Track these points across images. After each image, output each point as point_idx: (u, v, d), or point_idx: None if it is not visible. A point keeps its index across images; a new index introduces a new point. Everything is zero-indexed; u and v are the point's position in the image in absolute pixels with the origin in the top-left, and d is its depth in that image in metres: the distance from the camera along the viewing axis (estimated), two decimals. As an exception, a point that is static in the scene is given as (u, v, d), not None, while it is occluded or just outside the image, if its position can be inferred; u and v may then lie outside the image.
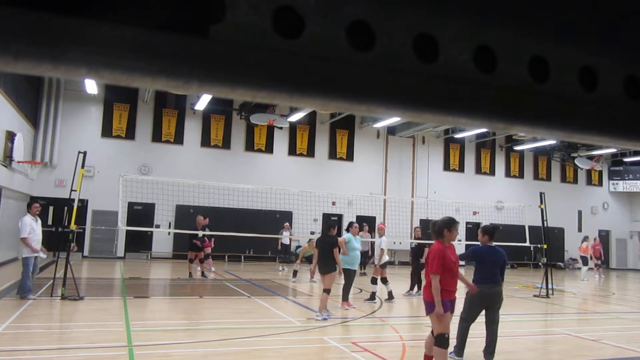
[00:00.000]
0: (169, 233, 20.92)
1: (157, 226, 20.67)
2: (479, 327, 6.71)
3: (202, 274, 15.09)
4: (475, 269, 6.65)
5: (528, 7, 0.71)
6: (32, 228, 10.04)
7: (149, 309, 10.20)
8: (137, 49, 0.53)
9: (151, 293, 12.54)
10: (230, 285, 13.82)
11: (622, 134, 0.82)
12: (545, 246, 14.85)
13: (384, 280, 11.79)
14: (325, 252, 9.51)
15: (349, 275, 10.33)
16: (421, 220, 24.86)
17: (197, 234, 15.06)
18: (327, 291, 9.28)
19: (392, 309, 11.08)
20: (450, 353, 6.70)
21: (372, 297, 11.57)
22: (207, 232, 16.05)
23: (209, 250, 17.01)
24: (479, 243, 6.83)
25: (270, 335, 7.75)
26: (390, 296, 11.77)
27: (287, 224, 19.38)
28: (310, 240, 16.91)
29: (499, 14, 0.70)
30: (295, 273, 15.45)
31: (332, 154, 24.55)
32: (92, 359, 6.26)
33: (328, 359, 6.62)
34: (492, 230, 6.69)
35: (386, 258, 12.09)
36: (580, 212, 29.36)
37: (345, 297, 10.43)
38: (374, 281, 11.74)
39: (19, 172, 16.70)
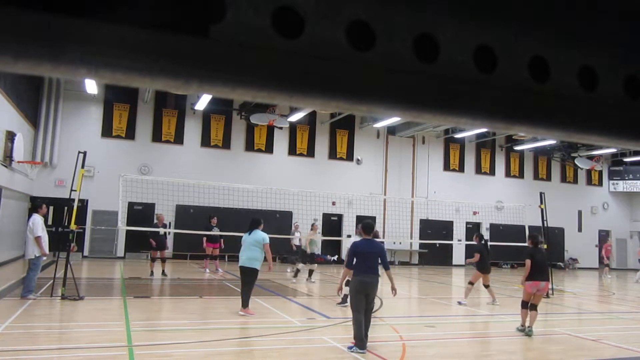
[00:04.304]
0: (169, 233, 20.91)
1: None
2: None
3: (163, 272, 15.13)
4: (356, 262, 7.07)
5: (528, 7, 0.71)
6: (43, 227, 10.07)
7: (149, 309, 10.19)
8: (137, 49, 0.53)
9: (151, 293, 12.53)
10: (230, 285, 13.81)
11: (622, 134, 0.82)
12: (545, 246, 14.84)
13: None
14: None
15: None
16: (421, 220, 24.92)
17: (158, 232, 15.41)
18: (471, 284, 11.96)
19: (392, 309, 11.07)
20: (351, 347, 6.78)
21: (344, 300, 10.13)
22: (217, 232, 16.37)
23: (217, 251, 17.12)
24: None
25: (270, 335, 7.74)
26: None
27: (297, 223, 18.60)
28: (313, 225, 15.90)
29: (499, 14, 0.70)
30: (296, 273, 15.29)
31: (332, 154, 24.53)
32: (92, 359, 6.26)
33: (328, 359, 6.62)
34: (367, 226, 7.40)
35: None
36: (580, 212, 29.36)
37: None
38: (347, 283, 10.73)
39: (19, 172, 16.70)
